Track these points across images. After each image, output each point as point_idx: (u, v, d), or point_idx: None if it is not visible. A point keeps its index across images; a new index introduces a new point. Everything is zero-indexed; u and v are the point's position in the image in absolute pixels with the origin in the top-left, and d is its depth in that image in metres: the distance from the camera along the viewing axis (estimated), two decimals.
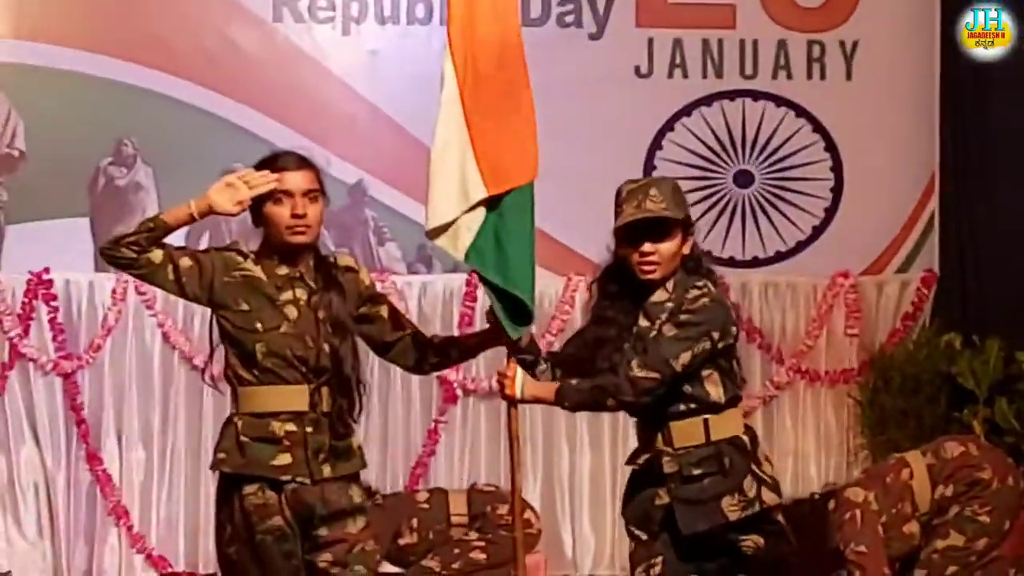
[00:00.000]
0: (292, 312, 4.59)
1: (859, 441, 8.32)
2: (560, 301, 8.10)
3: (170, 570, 7.62)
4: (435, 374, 7.76)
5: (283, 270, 4.62)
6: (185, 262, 4.63)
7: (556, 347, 7.80)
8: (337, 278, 4.76)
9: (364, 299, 4.85)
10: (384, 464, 7.87)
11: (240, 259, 4.70)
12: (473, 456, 8.08)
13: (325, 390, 4.61)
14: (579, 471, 8.08)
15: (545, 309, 8.02)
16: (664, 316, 4.84)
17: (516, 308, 4.93)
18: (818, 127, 8.30)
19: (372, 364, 7.31)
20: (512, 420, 5.09)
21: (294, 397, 4.56)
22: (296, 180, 4.64)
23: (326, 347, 4.64)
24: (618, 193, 4.87)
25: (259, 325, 4.54)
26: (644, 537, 4.94)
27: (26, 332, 7.67)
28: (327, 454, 4.63)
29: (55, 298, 7.70)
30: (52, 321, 7.69)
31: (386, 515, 6.92)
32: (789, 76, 8.31)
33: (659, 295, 4.86)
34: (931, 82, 8.45)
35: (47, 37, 7.85)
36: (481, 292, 7.47)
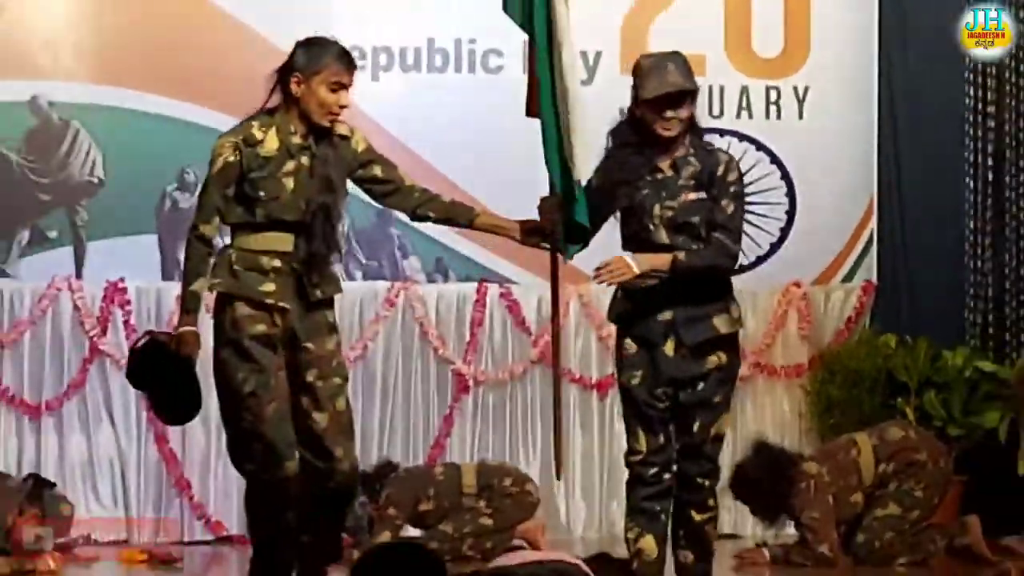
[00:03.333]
0: (290, 183, 4.80)
1: (808, 426, 8.40)
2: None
3: (225, 533, 7.72)
4: (451, 369, 8.18)
5: (296, 139, 4.81)
6: (223, 203, 4.83)
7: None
8: (335, 145, 4.94)
9: (359, 163, 5.00)
10: (407, 444, 8.10)
11: (256, 139, 4.86)
12: (482, 437, 8.23)
13: (308, 236, 4.85)
14: (572, 451, 8.21)
15: (543, 314, 8.06)
16: (718, 191, 5.04)
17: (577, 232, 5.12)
18: (775, 159, 8.47)
19: (396, 362, 8.17)
20: (556, 321, 5.33)
21: (281, 241, 4.82)
22: (351, 78, 4.87)
23: (315, 206, 4.84)
24: (637, 66, 5.05)
25: (262, 194, 4.77)
26: (636, 348, 5.15)
27: (104, 332, 7.91)
28: (315, 281, 4.87)
29: (128, 303, 7.93)
30: (126, 323, 7.92)
31: (407, 486, 7.18)
32: (750, 116, 8.50)
33: (680, 151, 5.05)
34: (871, 119, 8.63)
35: (121, 82, 8.07)
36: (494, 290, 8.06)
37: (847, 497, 7.07)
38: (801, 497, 6.99)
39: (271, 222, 4.81)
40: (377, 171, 5.00)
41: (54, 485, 7.40)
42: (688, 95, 4.99)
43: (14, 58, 8.04)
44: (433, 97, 8.26)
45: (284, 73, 4.80)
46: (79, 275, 8.05)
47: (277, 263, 4.76)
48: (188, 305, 4.77)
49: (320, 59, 4.78)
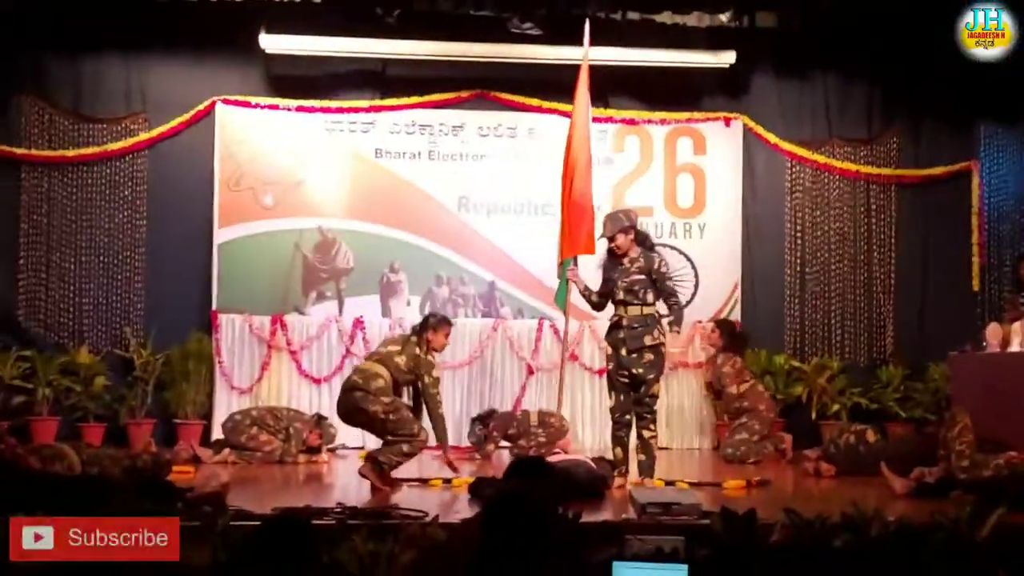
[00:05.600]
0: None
1: (704, 392, 10.08)
2: (577, 333, 10.05)
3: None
4: (525, 362, 9.79)
5: (435, 358, 6.70)
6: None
7: (577, 350, 9.90)
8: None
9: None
10: (502, 400, 9.91)
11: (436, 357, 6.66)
12: (540, 398, 10.06)
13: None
14: (585, 406, 10.10)
15: (570, 336, 8.76)
16: (657, 276, 6.14)
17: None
18: (688, 259, 10.28)
19: (498, 359, 9.83)
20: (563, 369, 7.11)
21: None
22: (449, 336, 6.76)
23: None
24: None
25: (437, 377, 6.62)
26: (612, 351, 6.36)
27: (352, 342, 9.88)
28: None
29: (364, 329, 9.87)
30: (364, 339, 9.86)
31: (503, 421, 8.96)
32: (676, 237, 10.38)
33: (629, 258, 6.21)
34: (737, 238, 10.38)
35: (361, 218, 10.03)
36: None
37: (720, 389, 9.05)
38: (725, 378, 8.91)
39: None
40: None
41: (327, 418, 8.67)
42: (616, 235, 6.30)
43: (309, 207, 9.97)
44: (525, 227, 10.21)
45: (425, 322, 6.83)
46: (340, 314, 9.92)
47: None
48: None
49: (446, 325, 6.90)
